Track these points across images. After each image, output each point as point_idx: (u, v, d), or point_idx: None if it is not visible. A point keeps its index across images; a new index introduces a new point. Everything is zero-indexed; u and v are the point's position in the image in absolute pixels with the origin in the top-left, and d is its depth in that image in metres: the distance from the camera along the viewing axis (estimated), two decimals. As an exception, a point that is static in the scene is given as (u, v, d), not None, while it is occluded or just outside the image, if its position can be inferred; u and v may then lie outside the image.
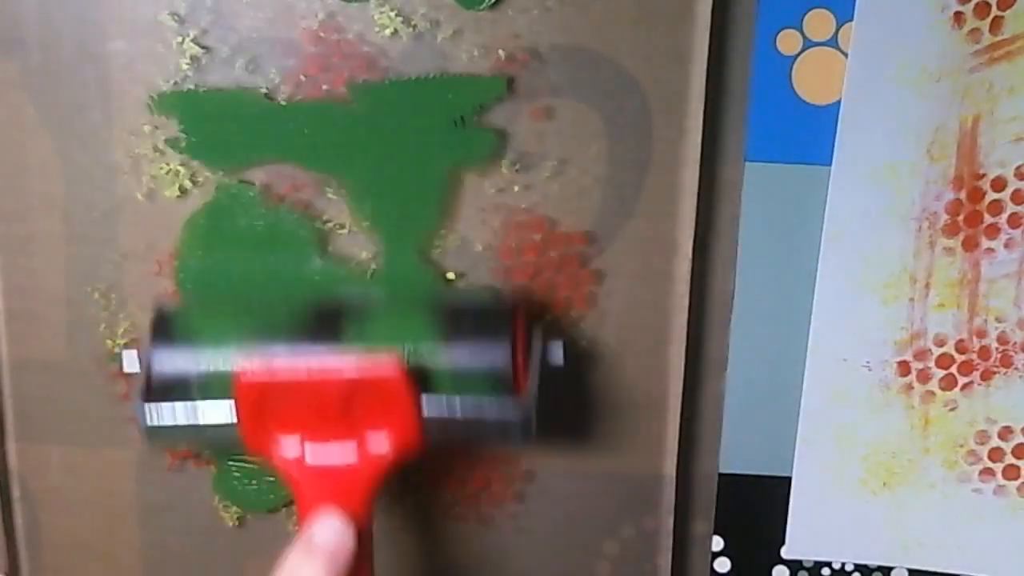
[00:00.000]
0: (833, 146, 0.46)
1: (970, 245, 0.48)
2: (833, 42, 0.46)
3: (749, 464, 0.50)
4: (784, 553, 0.51)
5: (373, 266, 0.46)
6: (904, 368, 0.49)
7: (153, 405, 0.41)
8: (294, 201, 0.46)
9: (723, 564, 0.52)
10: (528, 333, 0.44)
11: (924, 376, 0.49)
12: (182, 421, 0.42)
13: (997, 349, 0.49)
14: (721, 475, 0.50)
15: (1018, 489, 0.50)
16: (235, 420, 0.41)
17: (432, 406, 0.41)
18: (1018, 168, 0.47)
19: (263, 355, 0.41)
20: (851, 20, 0.45)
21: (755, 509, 0.51)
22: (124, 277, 0.47)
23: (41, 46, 0.44)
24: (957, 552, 0.51)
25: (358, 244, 0.46)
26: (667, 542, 0.50)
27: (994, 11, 0.45)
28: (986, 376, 0.49)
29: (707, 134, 0.46)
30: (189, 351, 0.42)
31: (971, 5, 0.45)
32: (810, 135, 0.47)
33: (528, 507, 0.50)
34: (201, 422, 0.42)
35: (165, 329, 0.43)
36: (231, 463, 0.48)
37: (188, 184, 0.45)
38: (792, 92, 0.46)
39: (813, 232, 0.48)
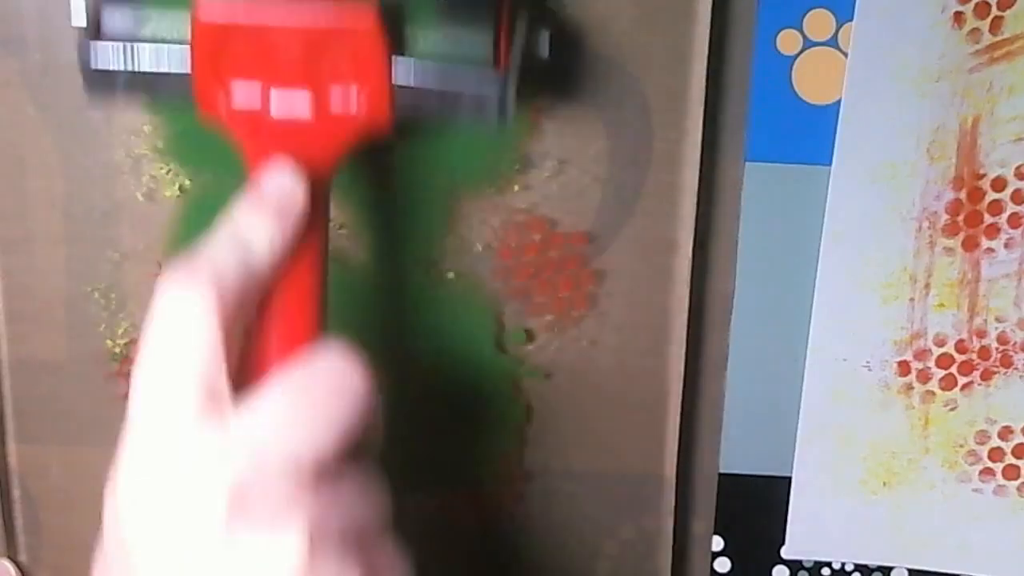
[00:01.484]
0: (833, 146, 0.46)
1: (970, 245, 0.48)
2: (833, 42, 0.46)
3: (749, 464, 0.50)
4: (784, 553, 0.51)
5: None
6: (904, 368, 0.49)
7: (99, 44, 0.38)
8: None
9: (723, 564, 0.52)
10: (513, 20, 0.40)
11: (924, 376, 0.49)
12: (128, 65, 0.38)
13: (997, 349, 0.49)
14: (721, 475, 0.50)
15: (1018, 489, 0.50)
16: (188, 67, 0.37)
17: (405, 70, 0.37)
18: (1018, 168, 0.47)
19: None
20: (851, 20, 0.45)
21: (755, 509, 0.51)
22: (124, 277, 0.47)
23: (41, 46, 0.44)
24: (957, 552, 0.51)
25: (356, 245, 0.46)
26: (667, 542, 0.50)
27: (994, 11, 0.45)
28: (986, 376, 0.49)
29: (707, 134, 0.46)
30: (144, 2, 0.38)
31: (971, 5, 0.45)
32: (810, 135, 0.47)
33: (528, 507, 0.50)
34: (150, 67, 0.37)
35: None
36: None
37: (188, 184, 0.45)
38: (792, 92, 0.46)
39: (813, 232, 0.48)
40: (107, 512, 0.31)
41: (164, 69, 0.37)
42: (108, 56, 0.38)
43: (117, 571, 0.30)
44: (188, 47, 0.37)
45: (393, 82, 0.37)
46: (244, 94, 0.37)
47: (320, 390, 0.31)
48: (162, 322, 0.31)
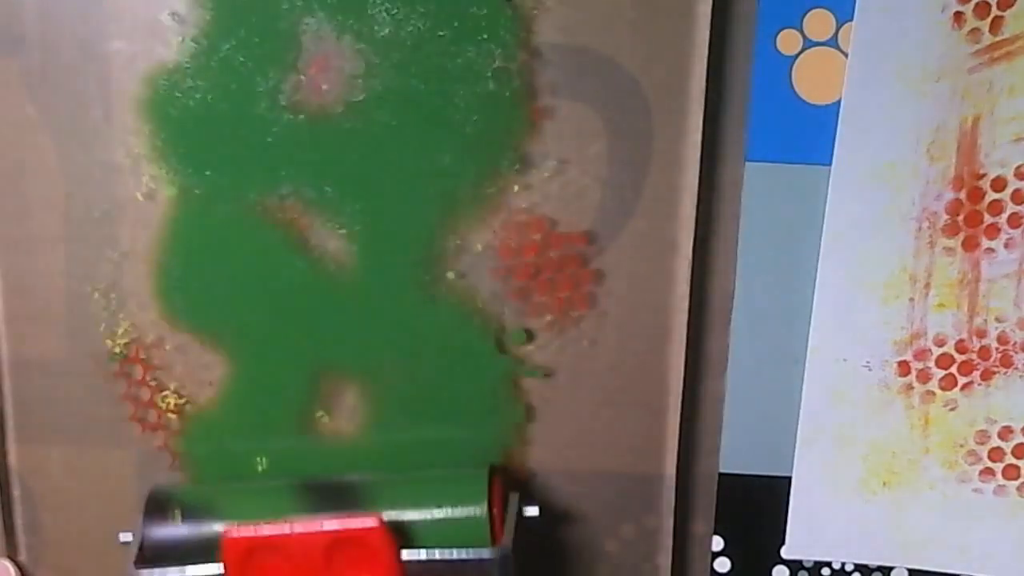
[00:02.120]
0: (833, 146, 0.46)
1: (970, 245, 0.48)
2: (833, 42, 0.46)
3: (749, 464, 0.50)
4: (784, 553, 0.51)
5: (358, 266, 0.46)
6: (904, 368, 0.49)
7: (146, 570, 0.44)
8: (289, 207, 0.46)
9: (723, 564, 0.52)
10: (505, 493, 0.46)
11: (924, 376, 0.49)
12: None
13: (997, 349, 0.49)
14: (721, 475, 0.50)
15: (1018, 489, 0.50)
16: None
17: (411, 556, 0.43)
18: (1018, 168, 0.47)
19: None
20: (851, 20, 0.45)
21: (755, 509, 0.51)
22: (124, 277, 0.47)
23: (41, 46, 0.44)
24: (957, 552, 0.51)
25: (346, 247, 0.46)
26: (667, 542, 0.50)
27: (994, 11, 0.45)
28: (986, 376, 0.49)
29: (707, 134, 0.46)
30: (182, 525, 0.45)
31: (971, 5, 0.45)
32: (810, 135, 0.47)
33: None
34: None
35: (160, 506, 0.45)
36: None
37: (185, 185, 0.45)
38: (792, 92, 0.46)
39: (813, 232, 0.48)
40: None
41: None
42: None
43: None
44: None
45: (403, 566, 0.43)
46: None
47: None
48: None
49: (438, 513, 0.44)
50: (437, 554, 0.43)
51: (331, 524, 0.43)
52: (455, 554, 0.43)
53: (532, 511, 0.46)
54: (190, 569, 0.44)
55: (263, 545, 0.43)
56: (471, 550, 0.43)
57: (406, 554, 0.43)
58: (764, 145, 0.47)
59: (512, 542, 0.44)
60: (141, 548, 0.45)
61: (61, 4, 0.44)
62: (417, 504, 0.45)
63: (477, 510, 0.44)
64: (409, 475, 0.46)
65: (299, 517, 0.43)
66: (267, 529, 0.43)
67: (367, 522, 0.43)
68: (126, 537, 0.46)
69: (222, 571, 0.43)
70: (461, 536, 0.44)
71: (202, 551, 0.44)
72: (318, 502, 0.45)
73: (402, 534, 0.44)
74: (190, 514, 0.45)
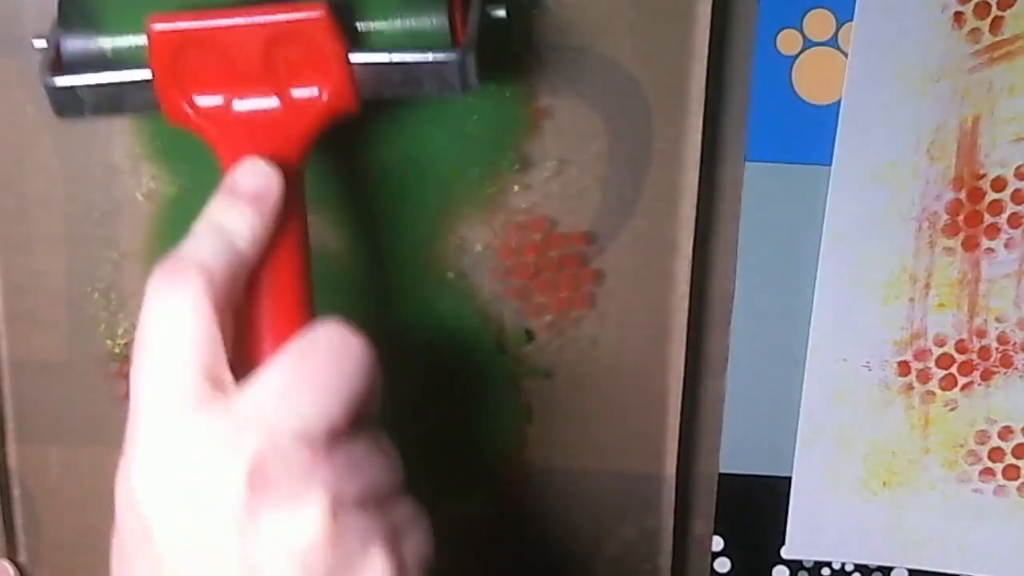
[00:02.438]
0: (833, 146, 0.46)
1: (970, 245, 0.48)
2: (833, 42, 0.46)
3: (749, 464, 0.50)
4: (784, 553, 0.51)
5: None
6: (904, 368, 0.49)
7: (64, 76, 0.38)
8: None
9: (723, 564, 0.52)
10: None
11: (924, 376, 0.49)
12: (93, 82, 0.38)
13: (997, 349, 0.49)
14: (721, 475, 0.50)
15: (1018, 489, 0.50)
16: (150, 77, 0.37)
17: (363, 58, 0.38)
18: (1018, 168, 0.47)
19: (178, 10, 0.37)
20: (851, 20, 0.45)
21: (755, 509, 0.51)
22: (124, 277, 0.47)
23: (41, 46, 0.44)
24: (957, 552, 0.51)
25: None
26: (667, 542, 0.50)
27: (994, 11, 0.45)
28: (986, 376, 0.49)
29: (707, 134, 0.46)
30: (101, 29, 0.39)
31: (971, 5, 0.45)
32: (810, 135, 0.47)
33: (528, 507, 0.50)
34: (114, 80, 0.38)
35: (75, 10, 0.39)
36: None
37: (182, 184, 0.45)
38: (792, 92, 0.46)
39: (813, 232, 0.48)
40: (122, 505, 0.31)
41: (127, 80, 0.38)
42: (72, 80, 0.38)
43: (141, 561, 0.30)
44: (147, 59, 0.37)
45: (354, 67, 0.37)
46: (208, 102, 0.38)
47: (321, 359, 0.32)
48: (156, 316, 0.31)
49: (395, 24, 0.38)
50: (391, 57, 0.37)
51: (271, 15, 0.36)
52: (410, 57, 0.37)
53: (500, 12, 0.41)
54: (111, 75, 0.38)
55: (193, 41, 0.37)
56: (429, 52, 0.37)
57: (356, 56, 0.37)
58: (764, 145, 0.47)
59: (475, 46, 0.38)
60: (57, 54, 0.39)
61: (61, 4, 0.44)
62: (372, 16, 0.39)
63: (435, 18, 0.39)
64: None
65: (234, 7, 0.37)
66: (197, 20, 0.37)
67: (313, 12, 0.36)
68: (40, 43, 0.40)
69: (148, 77, 0.37)
70: (419, 44, 0.38)
71: (124, 53, 0.39)
72: None
73: (354, 41, 0.38)
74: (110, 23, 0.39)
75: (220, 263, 0.32)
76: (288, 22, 0.36)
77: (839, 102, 0.46)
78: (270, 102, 0.38)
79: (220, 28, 0.37)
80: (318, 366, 0.31)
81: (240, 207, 0.34)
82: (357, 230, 0.46)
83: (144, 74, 0.38)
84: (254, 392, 0.31)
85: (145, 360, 0.32)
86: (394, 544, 0.32)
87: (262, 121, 0.38)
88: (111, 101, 0.39)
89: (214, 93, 0.38)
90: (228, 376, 0.31)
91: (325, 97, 0.38)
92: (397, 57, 0.38)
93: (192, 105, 0.38)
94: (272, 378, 0.31)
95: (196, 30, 0.37)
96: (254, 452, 0.30)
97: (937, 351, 0.49)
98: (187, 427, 0.30)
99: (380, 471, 0.33)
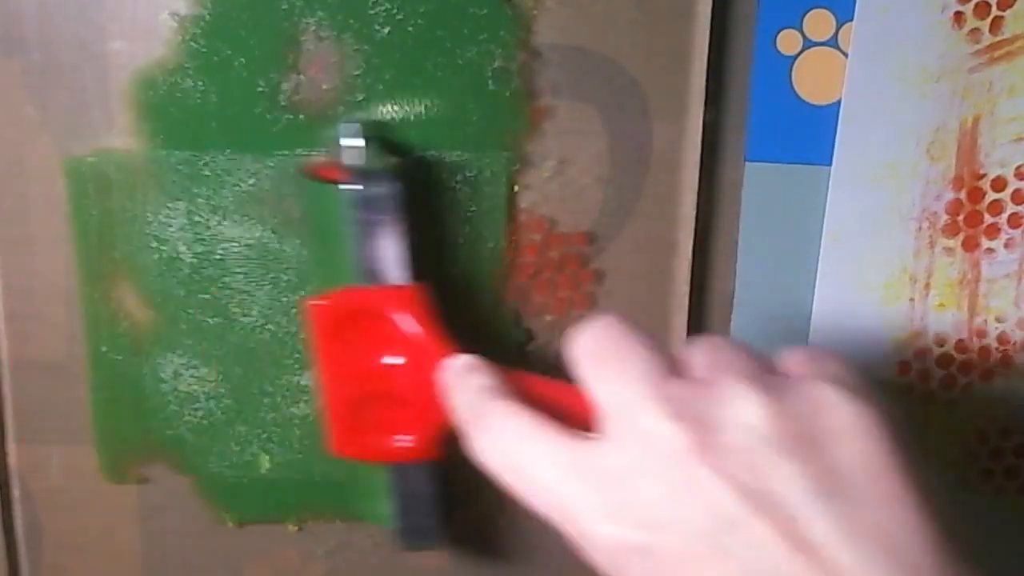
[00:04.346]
0: (833, 146, 0.46)
1: (970, 245, 0.48)
2: (833, 42, 0.46)
3: (749, 464, 0.50)
4: (784, 553, 0.51)
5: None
6: (904, 368, 0.49)
7: None
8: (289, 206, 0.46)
9: (723, 564, 0.52)
10: None
11: (924, 376, 0.49)
12: None
13: (997, 349, 0.49)
14: (721, 475, 0.50)
15: (1018, 490, 0.50)
16: None
17: None
18: (1018, 168, 0.47)
19: None
20: (851, 20, 0.45)
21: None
22: (124, 277, 0.47)
23: (41, 46, 0.44)
24: (957, 552, 0.51)
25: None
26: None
27: (994, 11, 0.45)
28: (986, 376, 0.49)
29: (707, 134, 0.46)
30: None
31: (971, 5, 0.45)
32: (810, 135, 0.47)
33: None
34: None
35: None
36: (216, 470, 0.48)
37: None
38: (792, 92, 0.46)
39: (813, 232, 0.48)
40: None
41: None
42: None
43: None
44: None
45: None
46: None
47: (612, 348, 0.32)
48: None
49: None
50: None
51: None
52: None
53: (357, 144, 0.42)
54: None
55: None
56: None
57: None
58: (764, 145, 0.47)
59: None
60: None
61: (61, 4, 0.44)
62: None
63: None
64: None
65: None
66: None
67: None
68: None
69: None
70: None
71: None
72: None
73: None
74: None
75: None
76: None
77: (839, 102, 0.46)
78: None
79: None
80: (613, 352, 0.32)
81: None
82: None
83: None
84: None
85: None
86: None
87: None
88: None
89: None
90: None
91: None
92: None
93: None
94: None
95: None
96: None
97: (937, 351, 0.49)
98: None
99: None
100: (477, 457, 0.32)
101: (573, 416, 0.32)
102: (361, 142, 0.40)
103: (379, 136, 0.43)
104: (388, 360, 0.38)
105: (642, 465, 0.29)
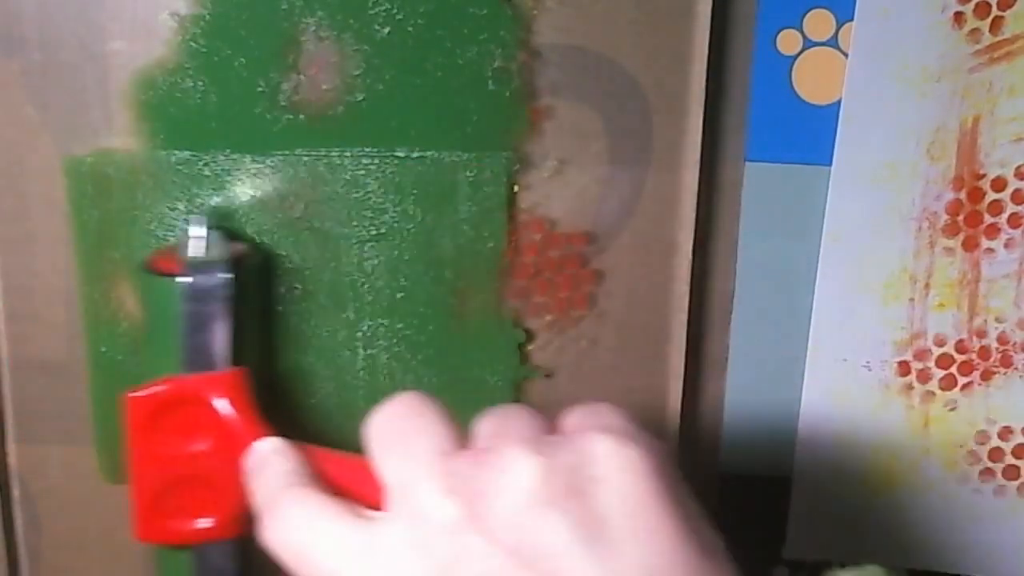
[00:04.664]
0: (833, 146, 0.46)
1: (970, 245, 0.48)
2: (833, 42, 0.46)
3: (749, 464, 0.50)
4: (784, 553, 0.51)
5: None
6: (904, 368, 0.49)
7: None
8: (289, 206, 0.46)
9: (723, 564, 0.52)
10: None
11: (924, 376, 0.49)
12: None
13: (997, 349, 0.49)
14: (721, 475, 0.50)
15: (1018, 489, 0.50)
16: None
17: None
18: (1018, 168, 0.47)
19: None
20: (851, 20, 0.45)
21: (755, 509, 0.51)
22: (124, 277, 0.47)
23: (41, 46, 0.44)
24: (957, 552, 0.51)
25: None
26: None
27: (994, 11, 0.45)
28: (986, 376, 0.49)
29: (707, 134, 0.46)
30: None
31: (971, 5, 0.45)
32: (810, 135, 0.47)
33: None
34: None
35: None
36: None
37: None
38: (792, 92, 0.46)
39: (813, 232, 0.48)
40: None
41: None
42: None
43: None
44: None
45: None
46: None
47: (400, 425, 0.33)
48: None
49: None
50: None
51: None
52: None
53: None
54: None
55: None
56: None
57: None
58: (764, 145, 0.47)
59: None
60: None
61: (61, 4, 0.44)
62: None
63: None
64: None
65: None
66: None
67: None
68: None
69: None
70: None
71: None
72: None
73: None
74: None
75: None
76: None
77: (839, 102, 0.46)
78: None
79: None
80: (401, 429, 0.33)
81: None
82: (357, 228, 0.46)
83: None
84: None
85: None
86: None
87: None
88: None
89: None
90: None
91: None
92: None
93: None
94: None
95: None
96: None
97: (937, 351, 0.49)
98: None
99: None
100: (265, 541, 0.33)
101: (367, 496, 0.33)
102: (203, 232, 0.42)
103: (222, 226, 0.44)
104: (197, 446, 0.40)
105: (418, 541, 0.30)
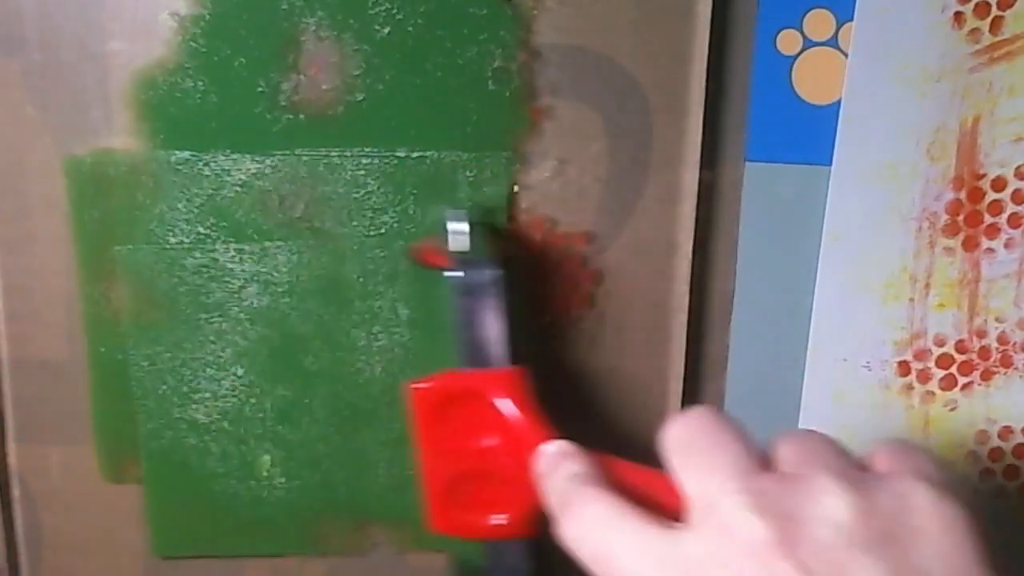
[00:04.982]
0: (833, 146, 0.46)
1: (970, 245, 0.48)
2: (833, 42, 0.46)
3: (749, 464, 0.50)
4: (784, 553, 0.51)
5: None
6: (904, 368, 0.49)
7: None
8: (289, 207, 0.46)
9: (723, 564, 0.52)
10: None
11: (924, 376, 0.49)
12: None
13: (997, 349, 0.49)
14: (721, 475, 0.50)
15: (1018, 490, 0.50)
16: None
17: None
18: (1018, 168, 0.47)
19: None
20: (851, 20, 0.45)
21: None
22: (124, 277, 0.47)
23: (41, 46, 0.44)
24: (957, 552, 0.51)
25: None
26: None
27: (994, 11, 0.45)
28: (986, 376, 0.49)
29: (707, 134, 0.46)
30: None
31: (971, 5, 0.45)
32: (810, 135, 0.47)
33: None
34: None
35: None
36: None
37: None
38: (792, 92, 0.46)
39: (813, 232, 0.48)
40: None
41: None
42: None
43: None
44: None
45: None
46: None
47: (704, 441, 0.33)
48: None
49: None
50: None
51: None
52: None
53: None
54: None
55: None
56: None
57: None
58: (764, 145, 0.47)
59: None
60: None
61: (61, 4, 0.44)
62: None
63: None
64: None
65: None
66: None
67: None
68: None
69: None
70: None
71: None
72: None
73: None
74: None
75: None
76: None
77: (839, 102, 0.46)
78: None
79: None
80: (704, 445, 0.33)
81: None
82: (357, 228, 0.46)
83: None
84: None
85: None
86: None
87: None
88: None
89: None
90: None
91: None
92: None
93: None
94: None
95: None
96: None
97: (937, 351, 0.49)
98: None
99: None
100: (565, 542, 0.33)
101: (663, 505, 0.33)
102: (466, 227, 0.42)
103: (484, 222, 0.44)
104: (486, 441, 0.40)
105: (722, 557, 0.29)
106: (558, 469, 0.36)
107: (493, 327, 0.40)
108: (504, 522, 0.40)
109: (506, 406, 0.39)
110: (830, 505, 0.29)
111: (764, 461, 0.31)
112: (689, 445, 0.33)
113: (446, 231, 0.42)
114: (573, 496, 0.34)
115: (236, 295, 0.46)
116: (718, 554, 0.29)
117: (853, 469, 0.31)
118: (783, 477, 0.30)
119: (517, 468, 0.38)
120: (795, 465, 0.31)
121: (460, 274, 0.40)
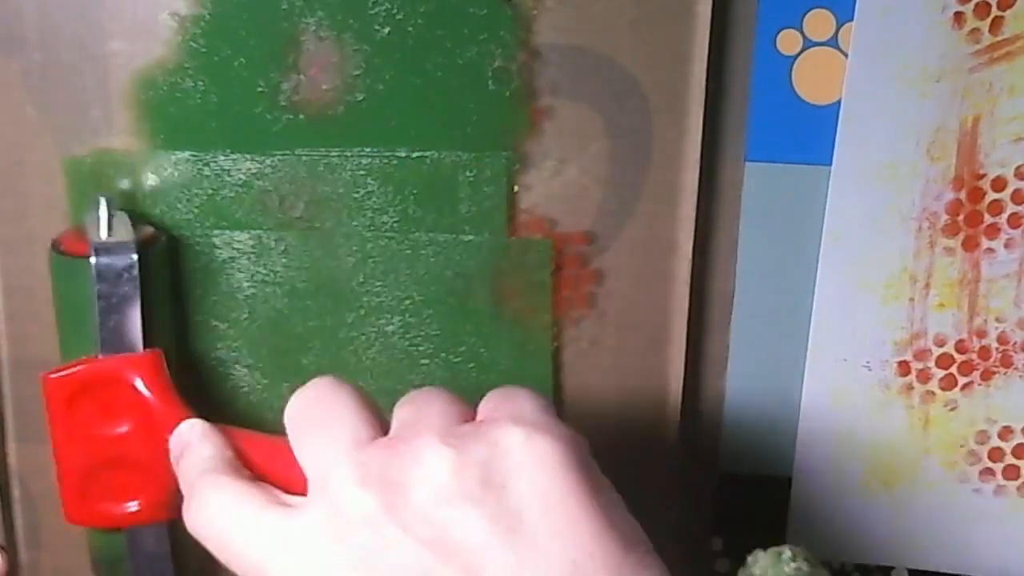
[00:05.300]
0: (833, 146, 0.46)
1: (970, 245, 0.48)
2: (833, 42, 0.46)
3: (749, 464, 0.50)
4: (784, 553, 0.51)
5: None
6: (904, 368, 0.49)
7: None
8: (289, 206, 0.46)
9: (723, 564, 0.52)
10: None
11: (924, 376, 0.49)
12: None
13: (997, 349, 0.49)
14: (721, 475, 0.50)
15: (1018, 489, 0.50)
16: None
17: None
18: (1018, 168, 0.47)
19: None
20: (851, 20, 0.45)
21: (755, 509, 0.51)
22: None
23: (41, 46, 0.44)
24: (957, 552, 0.51)
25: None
26: (667, 543, 0.50)
27: (994, 11, 0.45)
28: (986, 376, 0.49)
29: (707, 134, 0.46)
30: None
31: (971, 5, 0.45)
32: (810, 135, 0.47)
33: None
34: None
35: None
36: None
37: (188, 184, 0.46)
38: (792, 92, 0.46)
39: (813, 232, 0.48)
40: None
41: None
42: None
43: None
44: None
45: None
46: None
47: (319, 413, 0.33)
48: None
49: None
50: None
51: None
52: None
53: None
54: None
55: None
56: None
57: None
58: (764, 145, 0.47)
59: None
60: None
61: (61, 4, 0.44)
62: None
63: None
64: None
65: None
66: None
67: None
68: None
69: None
70: None
71: None
72: None
73: None
74: None
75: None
76: None
77: (839, 102, 0.46)
78: None
79: None
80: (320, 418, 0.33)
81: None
82: (357, 228, 0.46)
83: None
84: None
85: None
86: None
87: None
88: None
89: None
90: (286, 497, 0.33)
91: None
92: None
93: None
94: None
95: None
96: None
97: (937, 351, 0.49)
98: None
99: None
100: (188, 525, 0.34)
101: (293, 480, 0.33)
102: (105, 214, 0.41)
103: (129, 209, 0.44)
104: (121, 429, 0.40)
105: (336, 531, 0.30)
106: (188, 450, 0.37)
107: (131, 313, 0.40)
108: (137, 508, 0.40)
109: (141, 388, 0.39)
110: (428, 465, 0.30)
111: (378, 428, 0.32)
112: (305, 419, 0.33)
113: (87, 219, 0.42)
114: (196, 481, 0.35)
115: (236, 295, 0.46)
116: (330, 528, 0.30)
117: (457, 423, 0.32)
118: (391, 443, 0.31)
119: (154, 452, 0.39)
120: (405, 428, 0.32)
121: (97, 260, 0.40)
